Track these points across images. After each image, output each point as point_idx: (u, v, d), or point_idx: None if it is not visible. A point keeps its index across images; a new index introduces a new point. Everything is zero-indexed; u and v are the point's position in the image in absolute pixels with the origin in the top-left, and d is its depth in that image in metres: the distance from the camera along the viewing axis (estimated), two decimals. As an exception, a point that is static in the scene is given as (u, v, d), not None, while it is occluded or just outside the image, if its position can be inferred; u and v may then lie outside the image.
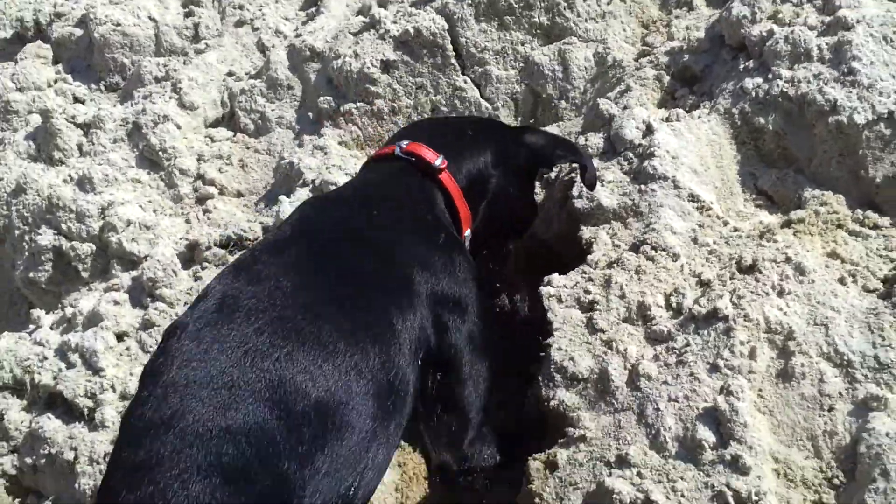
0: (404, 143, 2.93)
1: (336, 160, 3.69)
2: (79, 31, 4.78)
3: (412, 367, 2.49)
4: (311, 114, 4.04)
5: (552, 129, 3.65)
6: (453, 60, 3.87)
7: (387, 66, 3.81)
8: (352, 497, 2.30)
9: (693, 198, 3.11)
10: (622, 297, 2.92)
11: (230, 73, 4.35)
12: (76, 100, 4.54)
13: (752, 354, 2.69)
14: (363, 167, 3.10)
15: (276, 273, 2.39)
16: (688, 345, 2.77)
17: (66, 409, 3.44)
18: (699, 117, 3.30)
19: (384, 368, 2.36)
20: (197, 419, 2.03)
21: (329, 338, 2.27)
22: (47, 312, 3.84)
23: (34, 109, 4.41)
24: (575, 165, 3.19)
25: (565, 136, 3.47)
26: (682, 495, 2.54)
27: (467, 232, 3.01)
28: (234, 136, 4.13)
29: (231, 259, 3.58)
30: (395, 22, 3.90)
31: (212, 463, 1.98)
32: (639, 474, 2.60)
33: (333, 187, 3.46)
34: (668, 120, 3.28)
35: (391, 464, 2.89)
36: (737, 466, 2.51)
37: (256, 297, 2.30)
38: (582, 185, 3.11)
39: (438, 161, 2.88)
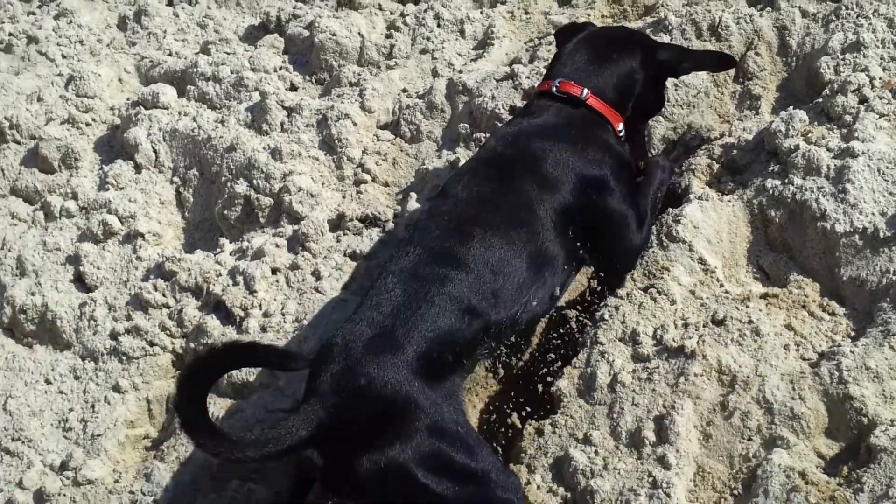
0: (558, 83, 3.72)
1: (461, 172, 4.39)
2: (306, 33, 5.41)
3: (558, 237, 3.41)
4: (452, 134, 4.60)
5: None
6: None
7: (513, 110, 4.36)
8: (519, 318, 3.33)
9: (702, 261, 3.60)
10: (623, 322, 3.49)
11: (404, 90, 4.93)
12: (292, 86, 5.23)
13: (701, 385, 3.22)
14: (534, 98, 3.89)
15: (473, 184, 3.49)
16: (657, 367, 3.31)
17: (225, 314, 4.14)
18: (728, 201, 3.76)
19: (531, 240, 3.34)
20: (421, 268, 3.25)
21: (496, 221, 3.34)
22: (230, 242, 4.53)
23: (259, 87, 5.07)
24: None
25: (691, 48, 4.23)
26: (619, 472, 3.12)
27: (620, 125, 3.76)
28: (394, 139, 4.72)
29: (364, 232, 4.43)
30: (527, 77, 4.47)
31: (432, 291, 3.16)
32: (595, 451, 3.19)
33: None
34: (699, 198, 3.77)
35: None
36: (663, 461, 3.06)
37: (461, 201, 3.44)
38: None
39: (584, 93, 3.68)
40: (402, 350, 3.00)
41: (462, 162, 4.20)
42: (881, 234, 3.42)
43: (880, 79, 3.86)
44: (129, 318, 4.35)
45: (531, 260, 3.32)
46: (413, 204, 4.25)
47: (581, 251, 3.53)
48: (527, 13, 5.34)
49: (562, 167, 3.48)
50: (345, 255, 4.25)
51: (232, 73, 5.30)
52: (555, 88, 3.72)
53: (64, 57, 5.88)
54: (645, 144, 4.07)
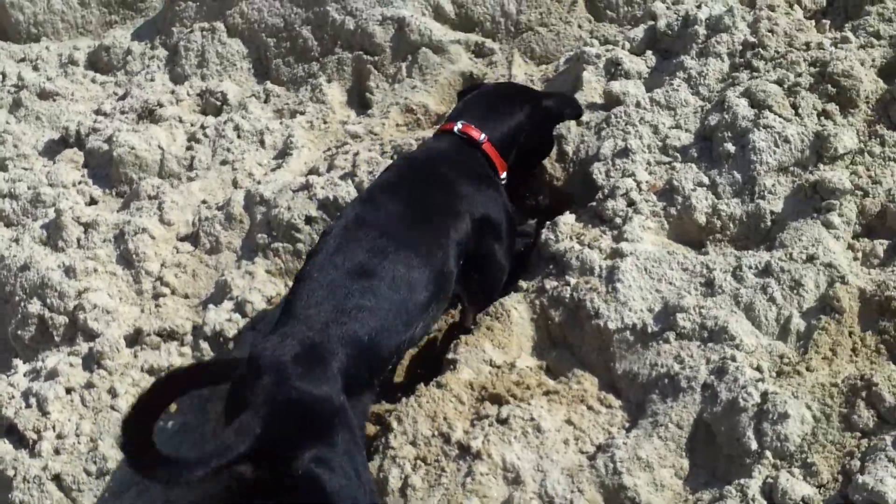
0: (460, 125, 4.10)
1: (259, 284, 4.34)
2: (105, 147, 5.38)
3: (455, 263, 3.69)
4: (251, 244, 4.61)
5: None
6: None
7: (309, 220, 4.45)
8: (415, 336, 3.64)
9: (490, 362, 3.75)
10: (413, 425, 3.54)
11: (204, 201, 4.93)
12: (91, 199, 5.19)
13: (487, 483, 3.31)
14: (436, 134, 4.26)
15: (385, 203, 3.74)
16: (444, 469, 3.41)
17: (18, 438, 4.02)
18: (515, 302, 3.93)
19: (439, 262, 3.61)
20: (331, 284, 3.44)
21: (411, 240, 3.60)
22: (24, 363, 4.42)
23: (55, 203, 5.01)
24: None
25: (570, 97, 4.62)
26: (410, 576, 3.27)
27: (503, 174, 4.13)
28: (194, 250, 4.71)
29: (163, 346, 4.40)
30: (322, 188, 4.54)
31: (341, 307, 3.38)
32: (388, 556, 3.34)
33: (250, 305, 4.31)
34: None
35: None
36: (450, 562, 3.23)
37: (374, 218, 3.67)
38: None
39: (481, 138, 4.07)
40: (328, 365, 3.22)
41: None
42: (649, 330, 3.62)
43: (646, 182, 4.13)
44: (-81, 446, 4.16)
45: (435, 280, 3.59)
46: (212, 315, 4.25)
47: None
48: (325, 122, 5.47)
49: (467, 201, 3.82)
50: (142, 370, 4.20)
51: (29, 189, 5.23)
52: (457, 129, 4.10)
53: None
54: (541, 183, 4.47)
